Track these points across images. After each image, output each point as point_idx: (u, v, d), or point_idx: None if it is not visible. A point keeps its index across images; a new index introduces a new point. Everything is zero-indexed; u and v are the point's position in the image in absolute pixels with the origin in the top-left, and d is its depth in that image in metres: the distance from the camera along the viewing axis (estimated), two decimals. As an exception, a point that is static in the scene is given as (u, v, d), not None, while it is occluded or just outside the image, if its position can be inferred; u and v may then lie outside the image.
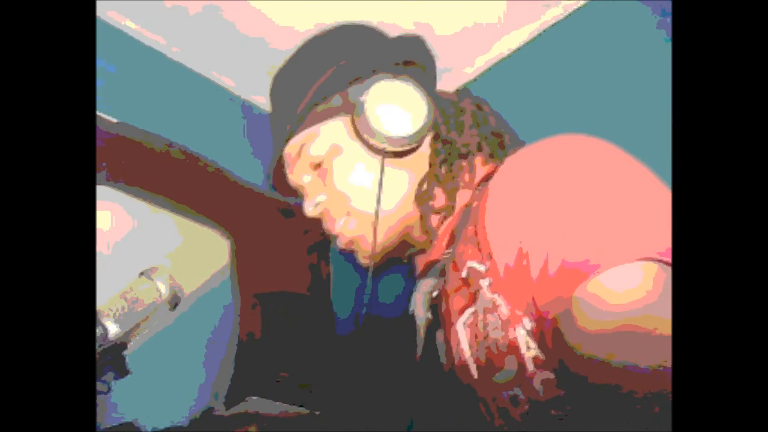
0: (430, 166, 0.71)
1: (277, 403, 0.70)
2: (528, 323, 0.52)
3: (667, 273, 0.45)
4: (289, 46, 0.80)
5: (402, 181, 0.70)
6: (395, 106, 0.67)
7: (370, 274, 0.68)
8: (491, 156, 0.71)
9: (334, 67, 0.73)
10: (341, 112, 0.71)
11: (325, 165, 0.72)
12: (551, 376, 0.50)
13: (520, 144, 0.70)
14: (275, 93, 0.80)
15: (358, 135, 0.69)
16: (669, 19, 0.89)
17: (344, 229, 0.72)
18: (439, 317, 0.64)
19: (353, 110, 0.68)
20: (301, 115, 0.72)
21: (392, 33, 0.80)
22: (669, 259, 0.45)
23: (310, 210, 0.74)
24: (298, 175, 0.76)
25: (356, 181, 0.70)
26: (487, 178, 0.66)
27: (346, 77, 0.72)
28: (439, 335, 0.63)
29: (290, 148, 0.75)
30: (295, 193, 0.80)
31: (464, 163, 0.70)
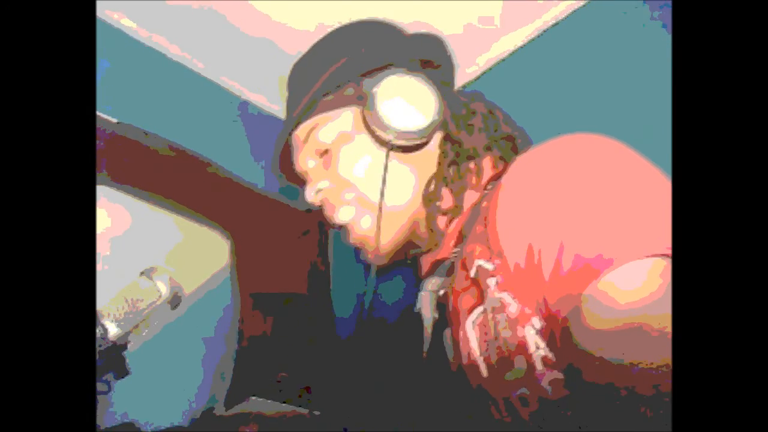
0: (439, 165, 0.71)
1: (277, 403, 0.70)
2: (537, 322, 0.51)
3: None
4: (290, 45, 0.81)
5: (408, 178, 0.70)
6: (406, 100, 0.67)
7: (373, 272, 0.68)
8: (502, 159, 0.71)
9: (347, 57, 0.73)
10: (353, 102, 0.71)
11: (332, 152, 0.72)
12: (560, 375, 0.50)
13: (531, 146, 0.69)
14: (293, 80, 0.80)
15: (367, 126, 0.69)
16: (669, 18, 0.89)
17: (354, 225, 0.71)
18: (446, 316, 0.64)
19: (365, 101, 0.68)
20: (312, 101, 0.72)
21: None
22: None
23: (311, 196, 0.74)
24: (304, 160, 0.76)
25: (361, 172, 0.70)
26: (496, 178, 0.66)
27: (360, 68, 0.72)
28: (447, 334, 0.63)
29: (299, 132, 0.75)
30: (300, 180, 0.80)
31: (472, 165, 0.70)
